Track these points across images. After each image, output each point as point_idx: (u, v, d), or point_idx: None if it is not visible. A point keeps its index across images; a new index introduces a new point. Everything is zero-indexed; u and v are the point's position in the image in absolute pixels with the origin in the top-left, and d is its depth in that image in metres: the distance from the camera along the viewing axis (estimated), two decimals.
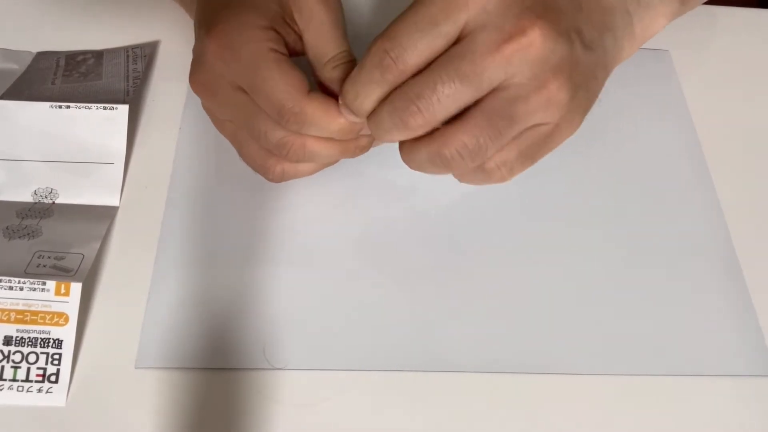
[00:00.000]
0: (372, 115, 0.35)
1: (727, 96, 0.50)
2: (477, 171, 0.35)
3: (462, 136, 0.33)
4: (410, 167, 0.36)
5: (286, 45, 0.37)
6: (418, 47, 0.32)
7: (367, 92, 0.34)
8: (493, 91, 0.32)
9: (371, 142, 0.39)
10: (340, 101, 0.36)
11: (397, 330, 0.39)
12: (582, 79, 0.34)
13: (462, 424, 0.37)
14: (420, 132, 0.34)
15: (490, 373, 0.38)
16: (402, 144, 0.36)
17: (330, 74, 0.38)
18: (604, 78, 0.37)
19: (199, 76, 0.38)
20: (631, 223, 0.44)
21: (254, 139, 0.39)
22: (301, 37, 0.38)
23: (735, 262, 0.42)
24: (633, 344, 0.39)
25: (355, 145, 0.38)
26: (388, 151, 0.44)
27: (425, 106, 0.32)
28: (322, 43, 0.38)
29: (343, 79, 0.36)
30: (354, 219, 0.43)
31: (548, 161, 0.46)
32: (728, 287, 0.42)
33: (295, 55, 0.38)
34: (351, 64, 0.38)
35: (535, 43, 0.31)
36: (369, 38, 0.34)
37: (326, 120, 0.36)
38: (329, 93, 0.37)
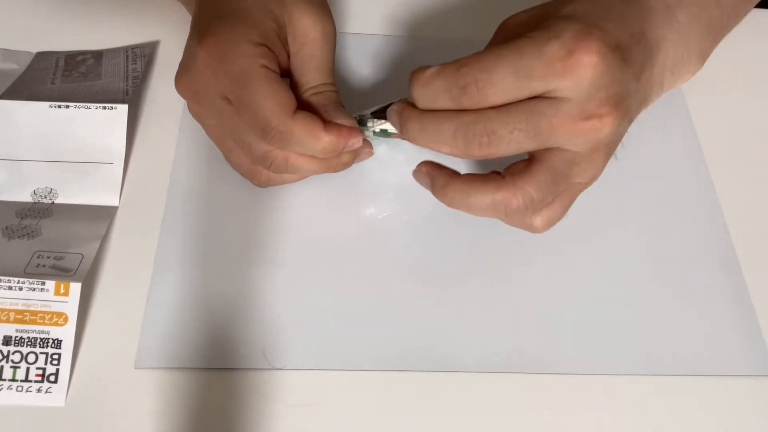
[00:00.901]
0: (430, 120, 0.35)
1: (728, 97, 0.50)
2: (523, 223, 0.37)
3: (530, 188, 0.35)
4: (457, 208, 0.37)
5: (278, 63, 0.38)
6: (504, 91, 0.33)
7: (434, 97, 0.34)
8: (553, 150, 0.35)
9: (353, 158, 0.40)
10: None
11: (398, 330, 0.39)
12: (615, 146, 0.38)
13: (461, 423, 0.37)
14: (476, 157, 0.35)
15: (490, 373, 0.38)
16: (453, 186, 0.36)
17: (309, 99, 0.39)
18: None
19: (185, 81, 0.38)
20: (633, 224, 0.44)
21: (239, 147, 0.39)
22: (289, 58, 0.39)
23: (735, 262, 0.42)
24: (634, 345, 0.39)
25: (337, 162, 0.39)
26: (387, 152, 0.44)
27: (495, 142, 0.34)
28: (309, 71, 0.39)
29: (322, 104, 0.38)
30: (354, 219, 0.43)
31: None
32: (729, 288, 0.42)
33: (285, 73, 0.39)
34: (333, 93, 0.39)
35: (605, 129, 0.34)
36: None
37: (310, 140, 0.36)
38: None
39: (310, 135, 0.36)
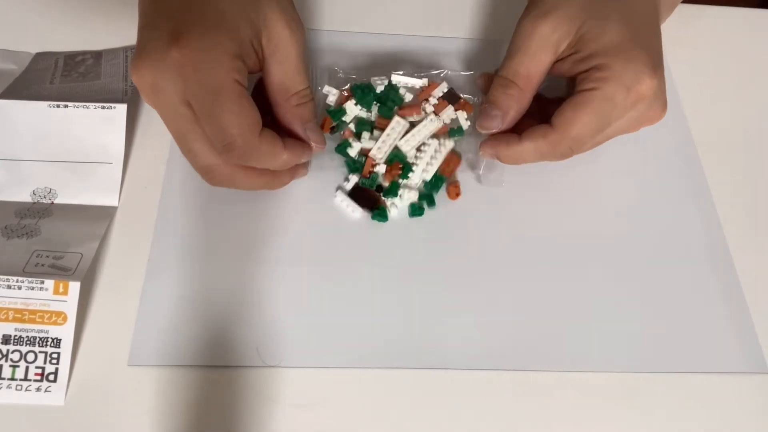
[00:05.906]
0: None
1: (724, 97, 0.50)
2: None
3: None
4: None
5: (249, 70, 0.38)
6: (592, 144, 0.41)
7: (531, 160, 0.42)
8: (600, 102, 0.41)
9: (291, 179, 0.42)
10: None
11: (391, 328, 0.39)
12: None
13: (458, 420, 0.37)
14: None
15: (487, 371, 0.38)
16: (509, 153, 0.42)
17: (294, 110, 0.40)
18: None
19: (146, 72, 0.36)
20: (626, 223, 0.44)
21: (184, 153, 0.38)
22: (261, 62, 0.39)
23: (729, 260, 0.43)
24: (630, 343, 0.40)
25: (279, 181, 0.42)
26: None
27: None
28: (288, 75, 0.39)
29: (304, 119, 0.40)
30: (347, 219, 0.43)
31: (542, 163, 0.46)
32: (722, 286, 0.42)
33: (254, 72, 0.39)
34: (312, 103, 0.40)
35: (661, 112, 0.42)
36: None
37: (271, 158, 0.38)
38: (267, 107, 0.40)
39: (272, 154, 0.38)
